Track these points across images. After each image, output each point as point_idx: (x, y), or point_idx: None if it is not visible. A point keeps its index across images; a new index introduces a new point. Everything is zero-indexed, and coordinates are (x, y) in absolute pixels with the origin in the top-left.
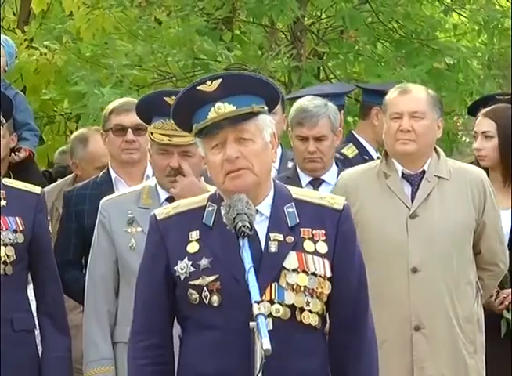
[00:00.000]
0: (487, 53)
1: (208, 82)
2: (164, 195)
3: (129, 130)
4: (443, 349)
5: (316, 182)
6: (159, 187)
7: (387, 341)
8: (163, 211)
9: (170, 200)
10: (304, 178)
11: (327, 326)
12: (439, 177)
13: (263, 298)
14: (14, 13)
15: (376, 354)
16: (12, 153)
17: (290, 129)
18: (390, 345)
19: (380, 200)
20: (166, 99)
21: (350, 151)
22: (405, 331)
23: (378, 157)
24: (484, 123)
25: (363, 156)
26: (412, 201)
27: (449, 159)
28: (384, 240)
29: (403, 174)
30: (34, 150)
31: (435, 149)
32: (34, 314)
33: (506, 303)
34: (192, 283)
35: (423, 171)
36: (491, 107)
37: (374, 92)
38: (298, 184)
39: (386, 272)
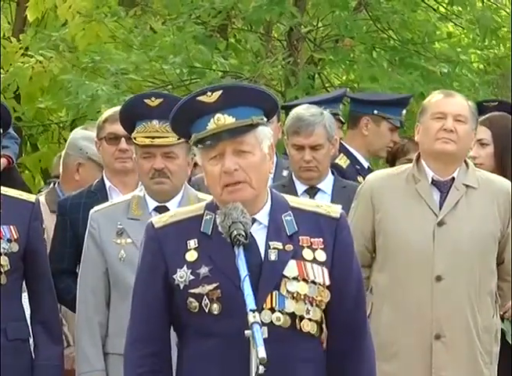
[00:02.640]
0: (481, 60)
1: (209, 93)
2: (152, 205)
3: (122, 139)
4: (462, 359)
5: (312, 191)
6: (147, 197)
7: (406, 348)
8: (160, 220)
9: (158, 209)
10: (300, 187)
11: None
12: (467, 186)
13: (264, 306)
14: (9, 22)
15: (374, 360)
16: None
17: (285, 138)
18: (409, 352)
19: (407, 205)
20: (146, 101)
21: (343, 161)
22: (426, 339)
23: (368, 167)
24: (479, 131)
25: (355, 165)
26: (440, 208)
27: (477, 169)
28: (409, 247)
29: (433, 180)
30: (14, 158)
31: (464, 160)
32: (29, 322)
33: (501, 313)
34: (192, 291)
35: (453, 179)
36: (487, 115)
37: (363, 102)
38: (294, 193)
39: (409, 279)
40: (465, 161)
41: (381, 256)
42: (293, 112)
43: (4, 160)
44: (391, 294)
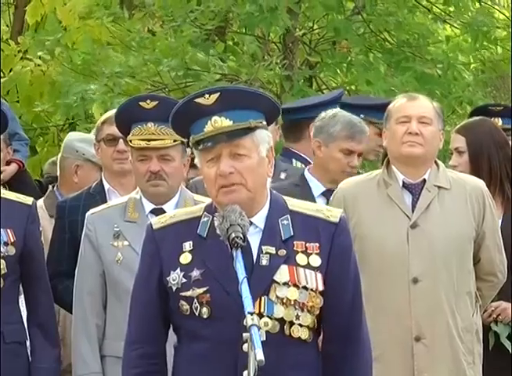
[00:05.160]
0: (477, 61)
1: (206, 95)
2: (148, 207)
3: (120, 140)
4: (444, 359)
5: (329, 194)
6: (144, 199)
7: (387, 352)
8: (159, 221)
9: (155, 211)
10: (317, 189)
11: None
12: (439, 187)
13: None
14: (7, 25)
15: (371, 365)
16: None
17: (318, 139)
18: (390, 355)
19: (380, 210)
20: (141, 103)
21: None
22: (406, 342)
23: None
24: (455, 139)
25: None
26: (413, 211)
27: (449, 170)
28: (384, 251)
29: (404, 183)
30: (25, 160)
31: (435, 161)
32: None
33: (495, 316)
34: (183, 294)
35: (424, 181)
36: (463, 123)
37: (349, 106)
38: (308, 192)
39: (386, 282)
40: (436, 162)
41: (358, 261)
42: (339, 115)
43: (15, 165)
44: (370, 299)
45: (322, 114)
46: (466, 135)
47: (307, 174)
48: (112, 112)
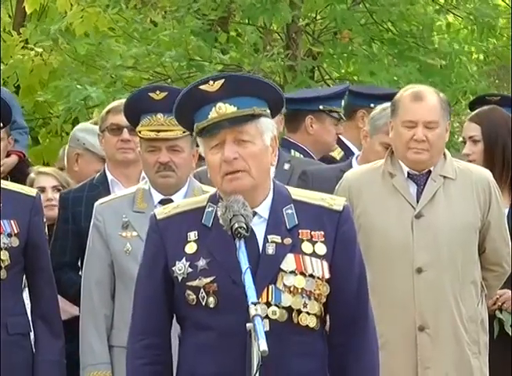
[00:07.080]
0: (480, 52)
1: (211, 82)
2: (157, 198)
3: (125, 129)
4: (448, 349)
5: None
6: (152, 190)
7: (391, 341)
8: (163, 211)
9: (163, 202)
10: None
11: (327, 325)
12: (445, 177)
13: (260, 300)
14: (9, 16)
15: (377, 354)
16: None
17: (370, 130)
18: (394, 345)
19: (385, 200)
20: (151, 94)
21: (337, 153)
22: (410, 331)
23: None
24: (469, 127)
25: (349, 157)
26: (418, 201)
27: (455, 159)
28: (388, 241)
29: (409, 174)
30: (25, 149)
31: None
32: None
33: (499, 303)
34: (189, 284)
35: (429, 171)
36: (476, 111)
37: (360, 95)
38: None
39: (390, 272)
40: (443, 153)
41: (362, 251)
42: (387, 110)
43: (15, 157)
44: (374, 288)
45: (379, 106)
46: (481, 124)
47: (354, 162)
48: (117, 102)
